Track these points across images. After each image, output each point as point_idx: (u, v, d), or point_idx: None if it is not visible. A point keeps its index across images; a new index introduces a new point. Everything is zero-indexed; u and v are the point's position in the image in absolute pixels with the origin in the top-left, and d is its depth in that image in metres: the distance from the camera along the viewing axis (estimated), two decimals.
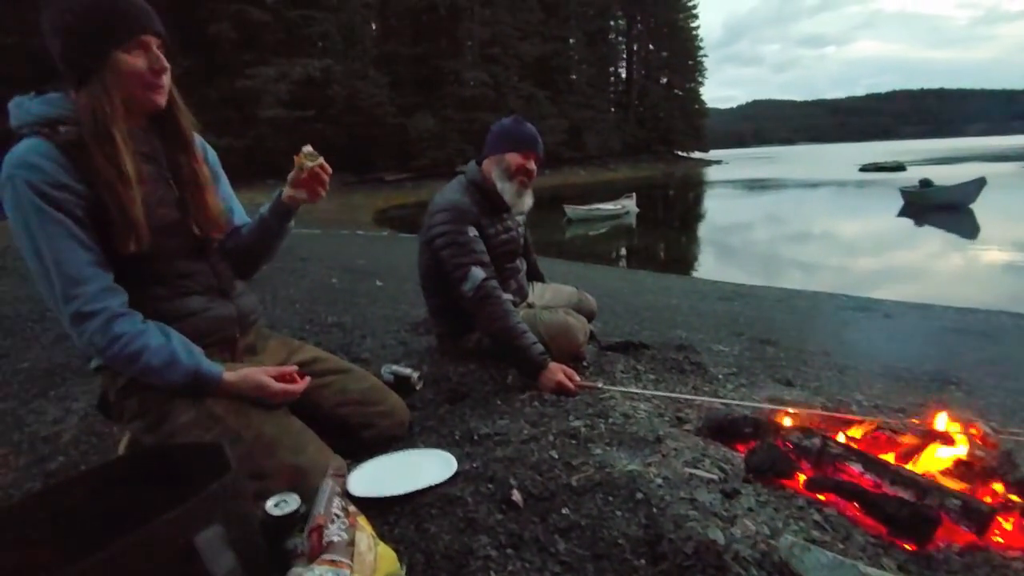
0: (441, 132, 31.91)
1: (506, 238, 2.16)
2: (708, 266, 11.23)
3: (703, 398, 1.84)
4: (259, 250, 1.46)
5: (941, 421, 1.41)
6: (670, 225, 18.49)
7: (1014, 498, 1.19)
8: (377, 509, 1.19)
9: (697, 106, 64.10)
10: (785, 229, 15.17)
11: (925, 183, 16.78)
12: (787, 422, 1.58)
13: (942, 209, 15.14)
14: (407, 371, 1.91)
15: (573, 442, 1.48)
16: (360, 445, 1.49)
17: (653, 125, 56.37)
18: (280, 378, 1.30)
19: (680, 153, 61.47)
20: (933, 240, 13.05)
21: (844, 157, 58.30)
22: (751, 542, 1.02)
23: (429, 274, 2.14)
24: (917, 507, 1.08)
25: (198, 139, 1.37)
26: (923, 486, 1.15)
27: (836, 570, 0.84)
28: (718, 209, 22.24)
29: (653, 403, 1.85)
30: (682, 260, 12.14)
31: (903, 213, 15.92)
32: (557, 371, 1.85)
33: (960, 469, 1.27)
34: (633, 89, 56.22)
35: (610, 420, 1.62)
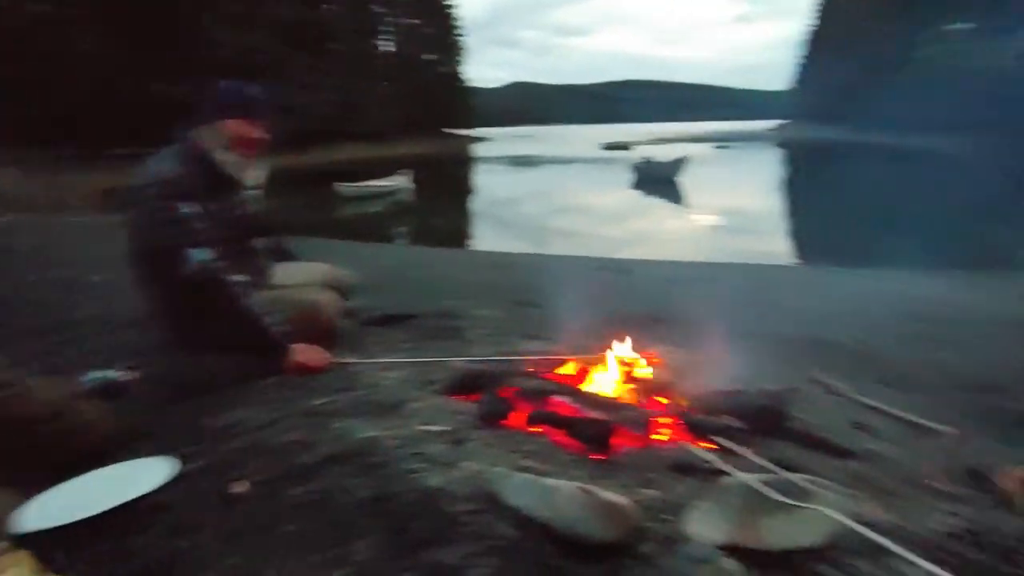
0: (183, 98, 27.60)
1: (234, 215, 1.97)
2: (482, 238, 11.90)
3: (448, 358, 1.94)
4: None
5: (627, 353, 1.72)
6: (445, 200, 18.99)
7: (675, 404, 1.52)
8: (62, 538, 1.02)
9: (464, 84, 66.35)
10: (548, 202, 16.74)
11: (647, 161, 20.09)
12: (521, 371, 1.76)
13: (660, 182, 18.26)
14: (116, 374, 1.65)
15: (314, 421, 1.45)
16: (55, 468, 1.25)
17: (423, 102, 56.77)
18: None
19: (450, 131, 63.17)
20: (657, 207, 15.70)
21: (590, 137, 66.13)
22: (470, 482, 1.12)
23: (142, 259, 1.85)
24: (599, 423, 1.31)
25: None
26: (609, 406, 1.39)
27: (524, 487, 0.98)
28: (488, 184, 23.55)
29: (406, 371, 1.90)
30: (457, 234, 12.60)
31: (635, 186, 18.82)
32: (300, 352, 1.78)
33: (642, 387, 1.57)
34: (401, 64, 55.69)
35: (355, 393, 1.62)
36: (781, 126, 77.94)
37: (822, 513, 0.90)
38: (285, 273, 2.37)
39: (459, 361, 1.99)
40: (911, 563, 0.84)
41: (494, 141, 67.34)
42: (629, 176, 20.11)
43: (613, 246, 9.62)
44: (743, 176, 24.04)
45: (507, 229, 12.83)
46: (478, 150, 49.88)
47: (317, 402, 1.56)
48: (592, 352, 1.83)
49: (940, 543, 0.95)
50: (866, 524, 1.00)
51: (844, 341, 2.80)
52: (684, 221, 13.60)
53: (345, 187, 17.11)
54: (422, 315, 2.93)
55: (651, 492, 1.12)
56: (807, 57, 70.48)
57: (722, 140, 52.10)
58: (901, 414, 1.70)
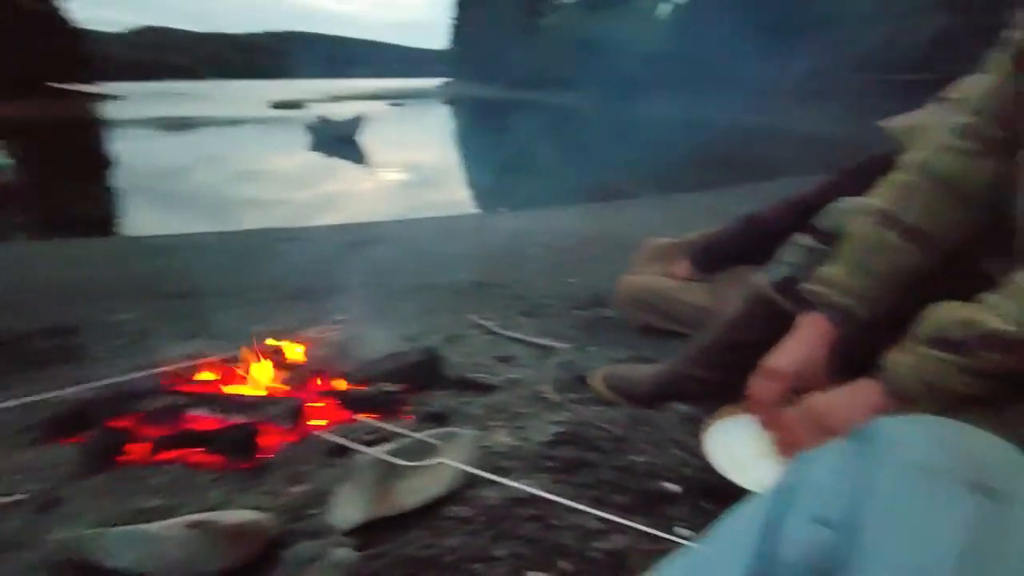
0: None
1: None
2: (137, 221, 9.80)
3: (39, 396, 1.52)
4: None
5: (280, 339, 1.61)
6: (76, 178, 15.01)
7: (331, 383, 1.48)
8: None
9: (75, 27, 52.18)
10: (224, 168, 14.69)
11: (322, 120, 19.27)
12: (156, 387, 1.48)
13: (340, 142, 17.80)
14: None
15: None
16: None
17: (15, 48, 42.90)
18: None
19: (61, 87, 49.34)
20: (343, 168, 15.31)
21: (255, 94, 60.04)
22: (55, 557, 0.88)
23: None
24: (239, 429, 1.19)
25: None
26: (256, 405, 1.28)
27: (122, 542, 0.81)
28: (136, 153, 19.40)
29: None
30: (99, 219, 10.15)
31: (313, 147, 17.93)
32: None
33: (295, 373, 1.49)
34: None
35: None
36: (446, 84, 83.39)
37: (445, 464, 0.98)
38: None
39: (75, 390, 1.58)
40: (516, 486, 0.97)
41: (130, 100, 55.42)
42: (306, 137, 19.03)
43: (304, 212, 9.09)
44: (420, 132, 25.17)
45: (178, 205, 10.87)
46: (111, 111, 40.46)
47: None
48: (252, 343, 1.65)
49: (545, 452, 1.13)
50: (493, 453, 1.14)
51: (501, 281, 3.18)
52: (370, 180, 13.60)
53: None
54: (28, 335, 2.28)
55: (300, 488, 1.06)
56: (459, 19, 76.16)
57: (394, 97, 53.18)
58: (533, 339, 2.00)
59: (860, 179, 1.78)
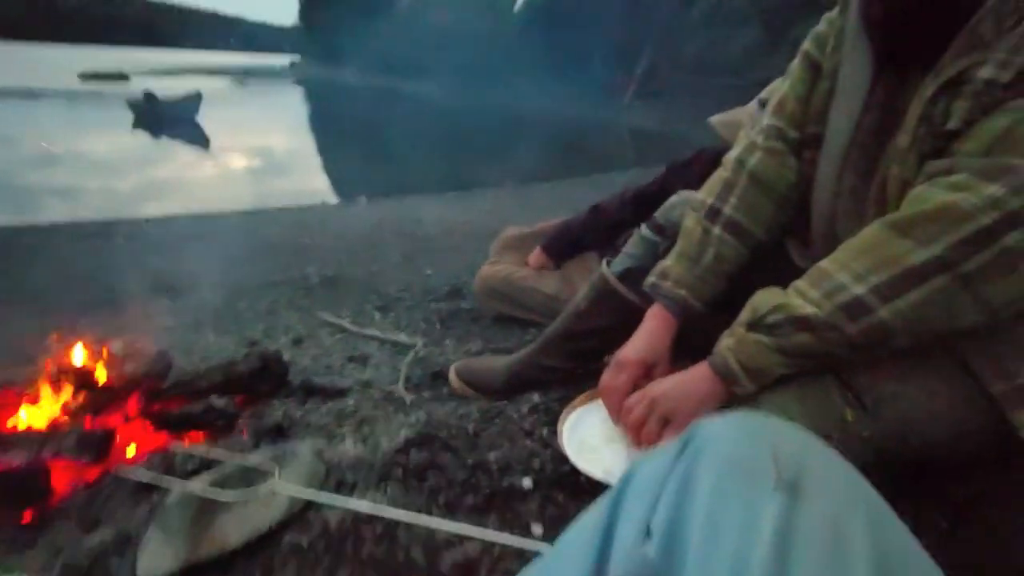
0: None
1: None
2: None
3: None
4: None
5: (73, 357, 1.35)
6: None
7: (146, 401, 1.28)
8: None
9: None
10: (19, 150, 12.27)
11: (149, 96, 16.94)
12: None
13: (172, 122, 15.81)
14: None
15: None
16: None
17: None
18: None
19: None
20: (177, 152, 13.61)
21: (59, 62, 51.33)
22: None
23: None
24: (14, 475, 0.97)
25: None
26: (37, 439, 1.05)
27: None
28: None
29: None
30: None
31: (137, 125, 15.75)
32: None
33: (96, 397, 1.26)
34: None
35: None
36: (292, 64, 77.82)
37: (278, 490, 0.88)
38: None
39: None
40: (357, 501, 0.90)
41: None
42: (131, 114, 16.62)
43: (126, 203, 7.91)
44: (267, 114, 23.17)
45: None
46: None
47: None
48: (44, 360, 1.37)
49: (395, 459, 1.07)
50: (337, 467, 1.06)
51: (356, 275, 3.02)
52: (212, 167, 12.25)
53: None
54: None
55: (97, 538, 0.89)
56: None
57: (236, 74, 48.53)
58: (387, 336, 1.92)
59: (690, 172, 1.94)
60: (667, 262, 1.01)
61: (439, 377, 1.55)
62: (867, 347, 0.74)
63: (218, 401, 1.28)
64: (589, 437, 1.08)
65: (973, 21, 0.71)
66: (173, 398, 1.32)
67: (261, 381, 1.43)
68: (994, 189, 0.67)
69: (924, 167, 0.75)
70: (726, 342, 0.82)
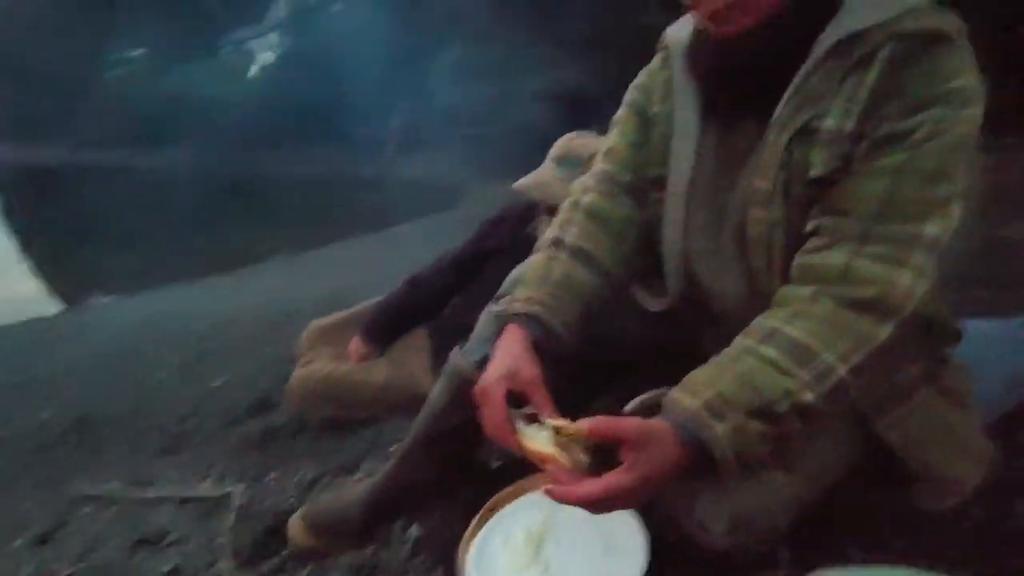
0: None
1: None
2: None
3: None
4: None
5: None
6: None
7: None
8: None
9: None
10: None
11: None
12: None
13: None
14: None
15: None
16: None
17: None
18: None
19: None
20: None
21: None
22: None
23: None
24: None
25: None
26: None
27: None
28: None
29: None
30: None
31: None
32: None
33: None
34: None
35: None
36: None
37: None
38: None
39: None
40: None
41: None
42: None
43: None
44: None
45: None
46: None
47: None
48: None
49: None
50: None
51: (118, 409, 2.38)
52: None
53: None
54: None
55: None
56: None
57: None
58: (183, 492, 1.49)
59: (502, 228, 1.92)
60: (516, 289, 0.95)
61: (276, 534, 1.22)
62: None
63: None
64: (497, 570, 0.91)
65: (800, 77, 0.75)
66: None
67: None
68: (917, 259, 0.70)
69: (818, 222, 0.76)
70: (721, 429, 0.69)
